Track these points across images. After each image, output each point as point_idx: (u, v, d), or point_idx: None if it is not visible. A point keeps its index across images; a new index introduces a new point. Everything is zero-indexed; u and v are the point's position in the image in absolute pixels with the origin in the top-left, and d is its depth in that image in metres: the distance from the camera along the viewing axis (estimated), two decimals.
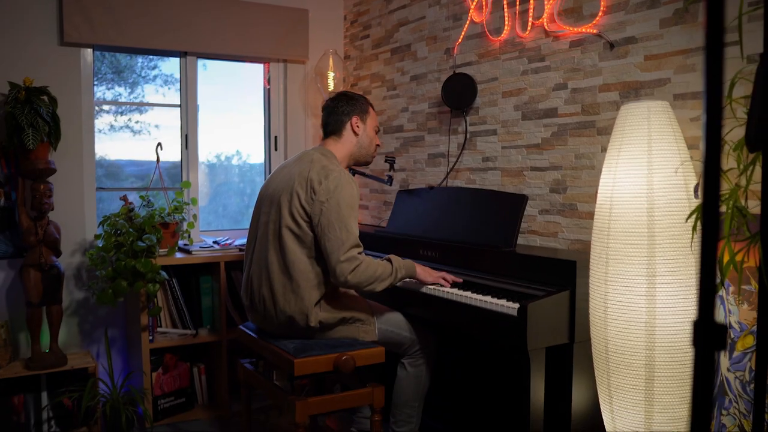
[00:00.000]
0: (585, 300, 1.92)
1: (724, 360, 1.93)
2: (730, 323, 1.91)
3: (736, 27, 1.46)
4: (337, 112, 2.34)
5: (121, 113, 3.44)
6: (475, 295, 2.08)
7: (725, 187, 1.48)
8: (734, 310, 1.89)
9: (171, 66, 3.48)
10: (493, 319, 1.97)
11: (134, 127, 3.45)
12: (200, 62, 3.58)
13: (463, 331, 2.32)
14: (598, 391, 1.84)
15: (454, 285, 2.24)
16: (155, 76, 3.51)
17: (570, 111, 2.34)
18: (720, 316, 1.91)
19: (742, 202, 1.47)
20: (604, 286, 1.76)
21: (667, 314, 1.66)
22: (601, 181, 1.83)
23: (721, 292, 1.90)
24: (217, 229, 3.56)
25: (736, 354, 1.89)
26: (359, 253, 2.10)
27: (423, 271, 2.24)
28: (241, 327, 2.51)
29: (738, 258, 1.43)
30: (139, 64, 3.46)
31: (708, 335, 0.71)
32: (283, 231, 2.17)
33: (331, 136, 2.36)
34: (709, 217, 0.71)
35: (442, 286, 2.24)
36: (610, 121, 2.19)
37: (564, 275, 1.95)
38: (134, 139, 3.45)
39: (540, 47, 2.45)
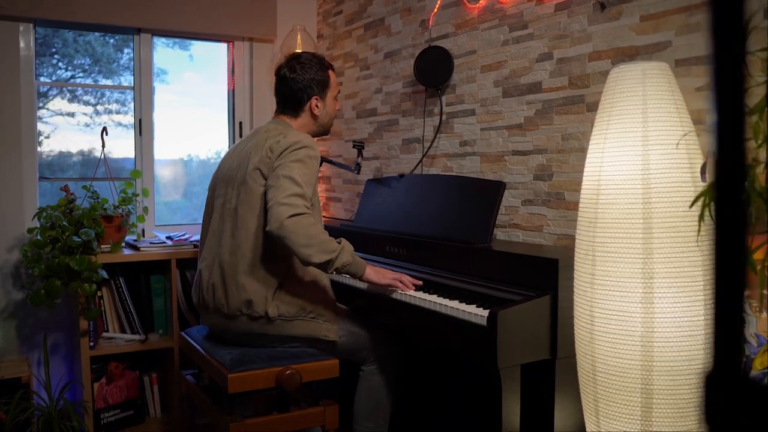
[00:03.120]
0: (570, 307, 1.60)
1: None
2: (745, 337, 1.58)
3: None
4: (293, 88, 2.05)
5: (103, 110, 3.15)
6: (440, 300, 1.76)
7: None
8: (751, 320, 1.56)
9: (159, 56, 3.20)
10: (460, 329, 1.65)
11: (120, 121, 3.16)
12: (185, 51, 3.29)
13: (428, 341, 2.01)
14: (585, 419, 1.52)
15: (416, 288, 1.92)
16: None
17: (556, 85, 2.01)
18: None
19: (762, 183, 1.15)
20: (591, 290, 1.44)
21: (667, 326, 1.34)
22: (587, 161, 1.51)
23: None
24: (174, 223, 3.25)
25: (753, 373, 1.57)
26: (305, 207, 1.81)
27: (374, 272, 1.91)
28: (182, 333, 2.20)
29: (758, 257, 1.11)
30: (125, 55, 3.17)
31: (732, 398, 0.39)
32: (240, 205, 1.92)
33: (285, 112, 2.09)
34: (729, 196, 0.39)
35: (398, 289, 1.91)
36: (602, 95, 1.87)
37: (545, 276, 1.63)
38: (119, 138, 3.17)
39: (522, 13, 2.12)
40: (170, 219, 3.30)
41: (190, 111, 3.35)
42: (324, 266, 1.80)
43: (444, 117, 2.46)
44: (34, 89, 2.86)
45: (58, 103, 3.06)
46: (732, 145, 0.38)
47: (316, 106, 2.06)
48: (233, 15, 3.15)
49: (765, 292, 1.37)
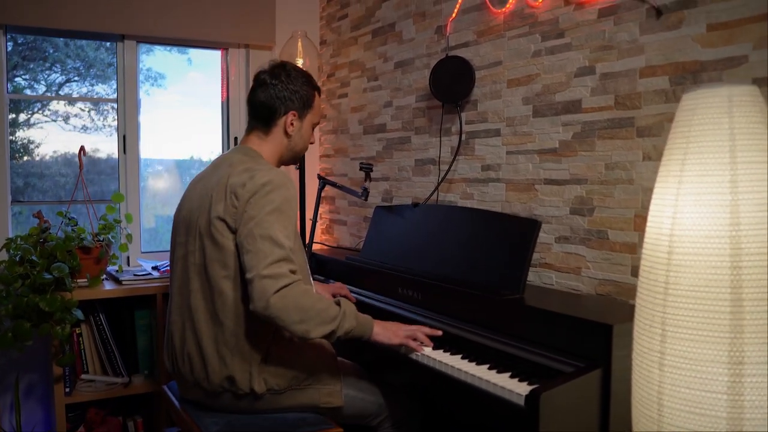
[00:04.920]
0: (623, 380, 1.31)
1: None
2: None
3: None
4: (271, 95, 1.72)
5: (99, 117, 2.88)
6: (466, 366, 1.47)
7: None
8: None
9: (157, 60, 2.93)
10: (490, 403, 1.36)
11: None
12: (183, 55, 3.02)
13: (449, 406, 1.72)
14: None
15: (435, 343, 1.63)
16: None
17: (599, 104, 1.72)
18: None
19: None
20: (659, 372, 1.14)
21: (761, 426, 1.04)
22: (652, 208, 1.22)
23: None
24: (164, 249, 2.97)
25: None
26: (292, 272, 1.50)
27: (384, 331, 1.61)
28: (163, 387, 1.92)
29: None
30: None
31: None
32: (209, 264, 1.58)
33: (256, 127, 1.75)
34: None
35: (413, 349, 1.62)
36: (656, 117, 1.57)
37: (595, 344, 1.34)
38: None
39: (558, 19, 1.83)
40: (165, 233, 3.02)
41: (190, 111, 3.09)
42: (326, 338, 1.52)
43: (464, 137, 2.17)
44: (5, 102, 2.58)
45: (54, 106, 2.80)
46: None
47: (292, 123, 1.73)
48: (227, 20, 2.87)
49: None
